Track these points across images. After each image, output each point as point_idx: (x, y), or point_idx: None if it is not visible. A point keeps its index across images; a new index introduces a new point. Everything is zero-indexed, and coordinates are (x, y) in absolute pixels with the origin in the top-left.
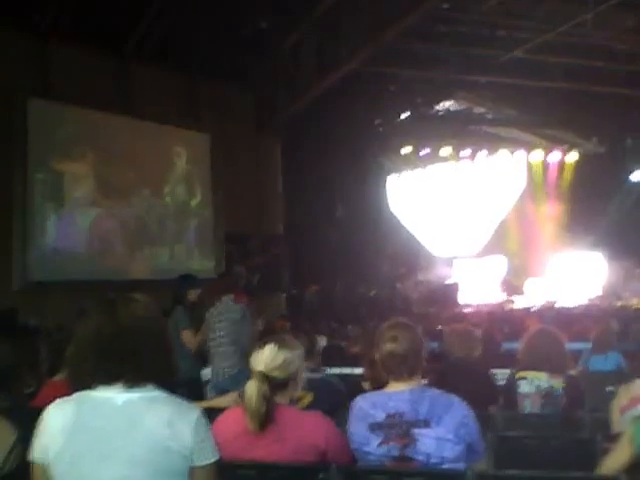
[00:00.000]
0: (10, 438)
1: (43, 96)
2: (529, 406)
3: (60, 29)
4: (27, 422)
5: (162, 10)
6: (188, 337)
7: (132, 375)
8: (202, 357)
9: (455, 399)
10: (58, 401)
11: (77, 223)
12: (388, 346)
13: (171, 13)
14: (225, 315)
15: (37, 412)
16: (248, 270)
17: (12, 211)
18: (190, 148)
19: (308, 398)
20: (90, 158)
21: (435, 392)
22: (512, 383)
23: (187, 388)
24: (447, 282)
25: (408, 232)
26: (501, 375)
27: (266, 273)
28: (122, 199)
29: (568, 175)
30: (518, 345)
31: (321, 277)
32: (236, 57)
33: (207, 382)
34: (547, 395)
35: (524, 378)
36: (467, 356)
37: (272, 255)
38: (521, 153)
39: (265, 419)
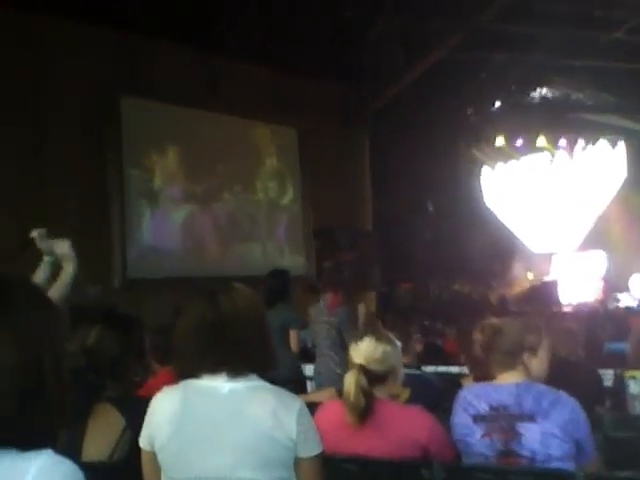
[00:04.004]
0: (119, 426)
1: (134, 93)
2: (639, 407)
3: (150, 26)
4: (135, 410)
5: (247, 5)
6: (295, 339)
7: (236, 364)
8: (305, 353)
9: (563, 394)
10: (165, 389)
11: (171, 220)
12: (489, 335)
13: (256, 8)
14: (322, 318)
15: (145, 401)
16: (337, 267)
17: (110, 209)
18: (279, 143)
19: (405, 394)
20: (181, 154)
21: (541, 387)
22: (621, 383)
23: (291, 385)
24: (546, 279)
25: (504, 227)
26: (605, 376)
27: (356, 270)
28: (214, 195)
29: None
30: (622, 345)
31: (413, 274)
32: (321, 49)
33: (309, 378)
34: None
35: (634, 378)
36: (570, 355)
37: (361, 251)
38: (622, 141)
39: (364, 412)
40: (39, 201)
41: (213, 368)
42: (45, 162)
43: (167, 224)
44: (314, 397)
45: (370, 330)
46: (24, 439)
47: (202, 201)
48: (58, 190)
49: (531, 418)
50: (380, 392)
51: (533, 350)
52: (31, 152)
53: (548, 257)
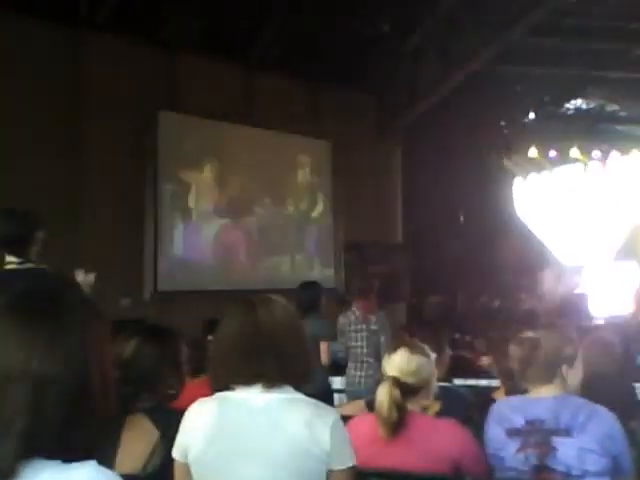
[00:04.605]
0: (153, 438)
1: (172, 108)
2: None
3: (187, 41)
4: (169, 422)
5: (284, 18)
6: (325, 349)
7: (272, 376)
8: (334, 365)
9: (601, 409)
10: (199, 401)
11: (203, 234)
12: (528, 348)
13: (293, 21)
14: (362, 325)
15: (179, 412)
16: (367, 279)
17: (143, 223)
18: (313, 156)
19: (435, 407)
20: (216, 168)
21: (579, 400)
22: None
23: (318, 397)
24: (576, 291)
25: (534, 239)
26: (639, 389)
27: (385, 283)
28: (246, 209)
29: None
30: None
31: (442, 287)
32: (357, 61)
33: (336, 390)
34: None
35: None
36: (607, 369)
37: (391, 264)
38: None
39: (397, 426)
40: (74, 212)
41: (249, 380)
42: (82, 173)
43: (199, 238)
44: (342, 410)
45: (404, 342)
46: (68, 450)
47: (234, 215)
48: (94, 202)
49: (567, 432)
50: (412, 405)
51: (570, 362)
52: (68, 164)
53: (579, 269)
